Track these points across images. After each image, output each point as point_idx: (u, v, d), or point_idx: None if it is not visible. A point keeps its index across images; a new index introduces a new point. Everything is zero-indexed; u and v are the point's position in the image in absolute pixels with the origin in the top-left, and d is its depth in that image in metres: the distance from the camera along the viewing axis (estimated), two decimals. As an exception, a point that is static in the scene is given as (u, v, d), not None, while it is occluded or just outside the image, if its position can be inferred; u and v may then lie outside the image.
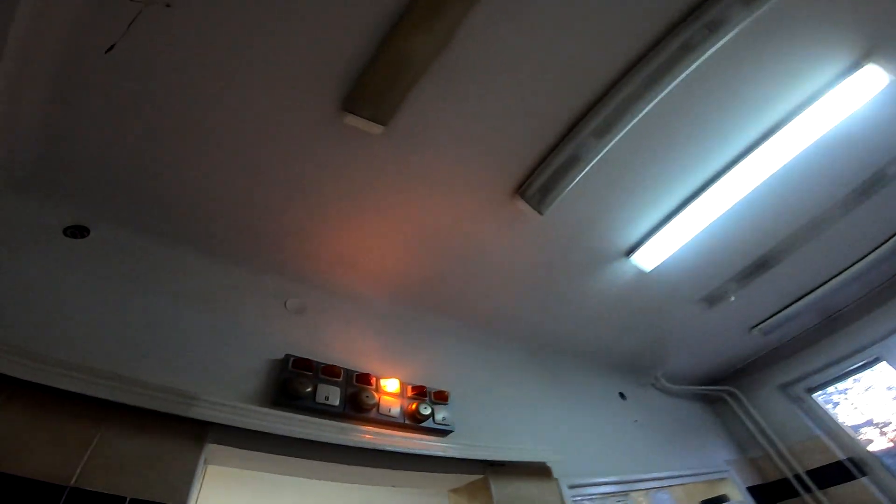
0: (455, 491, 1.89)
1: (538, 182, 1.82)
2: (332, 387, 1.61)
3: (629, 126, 1.68)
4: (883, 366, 2.96)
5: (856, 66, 1.73)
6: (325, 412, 1.54)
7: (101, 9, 1.17)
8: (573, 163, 1.78)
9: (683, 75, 1.57)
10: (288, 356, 1.62)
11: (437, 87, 1.54)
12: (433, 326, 2.26)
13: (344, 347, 1.82)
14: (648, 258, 2.26)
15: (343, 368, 1.69)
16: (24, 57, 1.19)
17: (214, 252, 1.80)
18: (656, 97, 1.60)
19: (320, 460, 1.45)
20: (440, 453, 1.66)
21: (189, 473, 1.20)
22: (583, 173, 1.80)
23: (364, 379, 1.71)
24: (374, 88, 1.48)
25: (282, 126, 1.54)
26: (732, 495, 2.84)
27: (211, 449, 1.30)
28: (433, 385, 1.90)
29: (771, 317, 3.00)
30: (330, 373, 1.64)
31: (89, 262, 1.51)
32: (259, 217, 1.76)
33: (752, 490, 2.99)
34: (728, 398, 3.47)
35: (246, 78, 1.42)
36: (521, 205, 1.86)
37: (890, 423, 2.89)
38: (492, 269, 2.15)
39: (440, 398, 1.87)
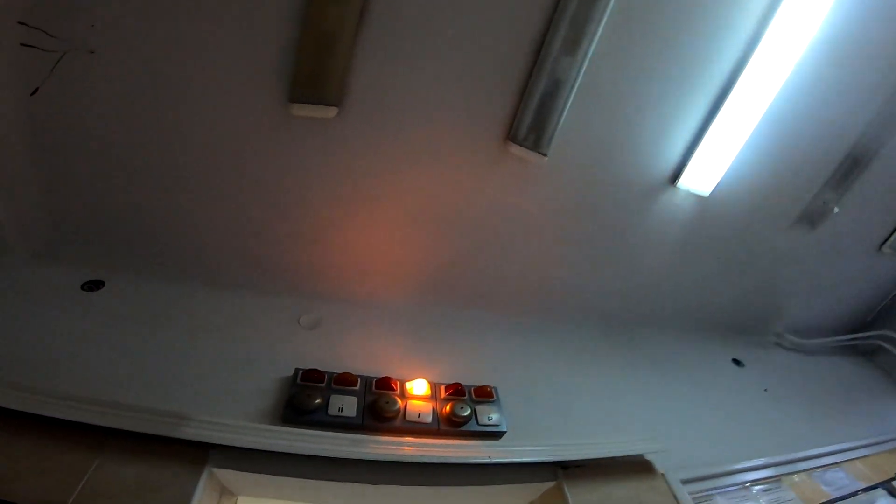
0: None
1: (526, 121, 1.59)
2: (347, 397, 1.42)
3: (600, 30, 1.43)
4: None
5: None
6: (341, 425, 1.35)
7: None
8: (556, 88, 1.54)
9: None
10: (297, 370, 1.48)
11: (379, 50, 1.43)
12: (466, 318, 2.00)
13: (363, 355, 1.64)
14: (700, 180, 1.85)
15: (359, 376, 1.51)
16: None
17: (221, 283, 1.77)
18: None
19: (338, 480, 1.24)
20: (488, 460, 1.37)
21: (186, 498, 1.07)
22: (571, 98, 1.55)
23: (384, 384, 1.50)
24: (311, 71, 1.41)
25: (238, 138, 1.51)
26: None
27: (213, 473, 1.16)
28: (473, 382, 1.64)
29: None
30: (343, 381, 1.46)
31: (106, 311, 1.56)
32: (253, 240, 1.72)
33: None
34: (886, 344, 2.68)
35: (191, 99, 1.42)
36: (517, 150, 1.63)
37: None
38: (513, 236, 1.88)
39: (483, 395, 1.59)
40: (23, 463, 1.05)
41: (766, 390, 2.27)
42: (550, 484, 1.45)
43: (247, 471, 1.19)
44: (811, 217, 2.17)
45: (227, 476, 1.19)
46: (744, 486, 1.75)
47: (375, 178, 1.65)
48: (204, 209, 1.64)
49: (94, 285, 1.64)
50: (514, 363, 1.89)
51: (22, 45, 1.19)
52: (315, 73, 1.41)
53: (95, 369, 1.34)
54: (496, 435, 1.49)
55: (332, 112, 1.47)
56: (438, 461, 1.32)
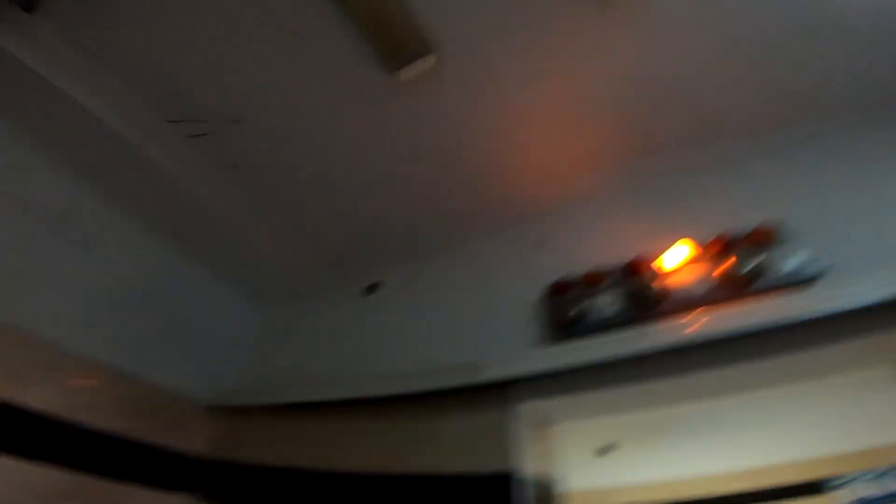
0: None
1: None
2: (602, 296, 1.35)
3: None
4: None
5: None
6: (607, 325, 1.29)
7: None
8: None
9: None
10: (544, 289, 1.48)
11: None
12: (687, 164, 1.56)
13: (599, 251, 1.50)
14: None
15: (603, 271, 1.40)
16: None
17: (448, 246, 1.91)
18: None
19: (637, 381, 1.21)
20: (809, 313, 1.06)
21: (504, 437, 1.23)
22: None
23: (633, 268, 1.35)
24: (386, 34, 1.24)
25: (382, 134, 1.52)
26: None
27: (519, 409, 1.30)
28: (741, 228, 1.31)
29: None
30: (591, 282, 1.38)
31: (382, 308, 1.89)
32: (450, 199, 1.76)
33: None
34: None
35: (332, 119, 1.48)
36: None
37: None
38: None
39: (761, 239, 1.25)
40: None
41: None
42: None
43: (545, 397, 1.27)
44: None
45: (534, 408, 1.30)
46: None
47: (519, 90, 1.40)
48: (409, 200, 1.75)
49: (372, 288, 1.98)
50: (786, 189, 1.40)
51: (191, 136, 1.42)
52: (391, 34, 1.25)
53: (390, 349, 1.66)
54: (809, 281, 1.16)
55: (431, 60, 1.30)
56: (736, 332, 1.12)
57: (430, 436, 1.34)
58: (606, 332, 1.26)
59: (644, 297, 1.26)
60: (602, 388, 1.21)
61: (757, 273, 1.19)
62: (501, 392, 1.30)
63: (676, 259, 1.31)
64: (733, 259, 1.22)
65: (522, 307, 1.51)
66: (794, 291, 1.13)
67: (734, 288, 1.20)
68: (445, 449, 1.30)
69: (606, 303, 1.31)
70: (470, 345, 1.51)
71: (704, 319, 1.15)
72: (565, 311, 1.33)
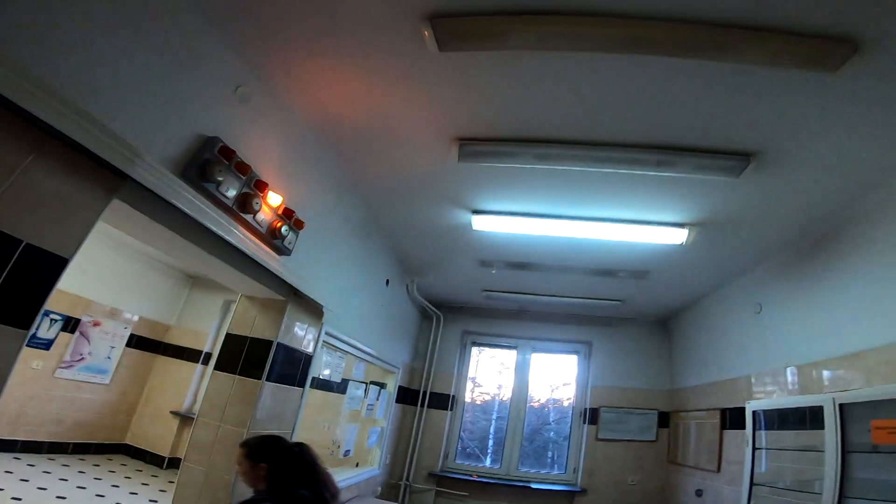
0: (250, 298, 2.20)
1: None
2: (236, 181, 1.60)
3: None
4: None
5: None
6: (220, 203, 1.55)
7: None
8: None
9: None
10: (217, 139, 1.50)
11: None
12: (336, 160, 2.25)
13: (260, 151, 1.74)
14: None
15: (251, 168, 1.66)
16: None
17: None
18: None
19: (197, 245, 1.53)
20: (266, 263, 1.88)
21: (87, 226, 1.18)
22: None
23: (261, 186, 1.73)
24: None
25: None
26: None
27: (114, 205, 1.23)
28: (300, 212, 2.05)
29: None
30: (241, 169, 1.61)
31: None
32: None
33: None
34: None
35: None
36: None
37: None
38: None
39: (298, 226, 2.06)
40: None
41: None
42: (281, 298, 2.16)
43: (144, 213, 1.33)
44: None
45: (122, 213, 1.27)
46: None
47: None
48: None
49: None
50: (321, 212, 2.35)
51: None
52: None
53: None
54: (284, 252, 2.03)
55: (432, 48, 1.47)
56: (249, 255, 1.78)
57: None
58: (217, 205, 1.54)
59: (248, 205, 1.68)
60: (176, 232, 1.47)
61: (283, 237, 1.94)
62: (118, 182, 1.19)
63: (274, 201, 1.84)
64: (284, 224, 1.92)
65: (189, 126, 1.45)
66: (279, 253, 1.98)
67: (271, 235, 1.88)
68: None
69: (233, 189, 1.60)
70: (126, 115, 1.21)
71: (244, 235, 1.75)
72: (219, 173, 1.52)
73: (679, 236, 2.71)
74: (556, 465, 4.55)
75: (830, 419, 1.91)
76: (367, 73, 1.71)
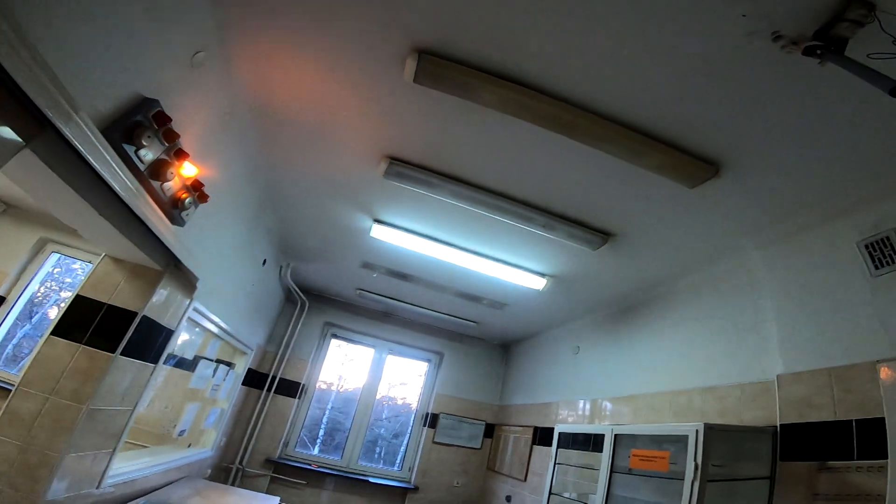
0: (117, 261, 1.99)
1: None
2: (159, 147, 1.49)
3: None
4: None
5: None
6: (134, 167, 1.44)
7: None
8: None
9: None
10: (155, 102, 1.40)
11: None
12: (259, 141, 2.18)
13: (193, 120, 1.64)
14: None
15: (179, 136, 1.56)
16: None
17: None
18: None
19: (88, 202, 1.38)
20: (157, 230, 1.75)
21: None
22: None
23: (180, 155, 1.63)
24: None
25: None
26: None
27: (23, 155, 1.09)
28: (208, 186, 1.95)
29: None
30: (168, 137, 1.51)
31: None
32: None
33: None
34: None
35: None
36: None
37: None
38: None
39: (202, 199, 1.95)
40: None
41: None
42: (158, 268, 2.01)
43: (47, 164, 1.19)
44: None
45: (26, 161, 1.12)
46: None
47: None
48: None
49: None
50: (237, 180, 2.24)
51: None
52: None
53: None
54: (178, 223, 1.91)
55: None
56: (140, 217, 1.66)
57: None
58: (131, 167, 1.43)
59: (161, 172, 1.58)
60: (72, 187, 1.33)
61: (185, 208, 1.84)
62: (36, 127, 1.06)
63: (188, 171, 1.75)
64: (189, 196, 1.83)
65: (130, 78, 1.32)
66: (173, 222, 1.86)
67: (172, 205, 1.77)
68: None
69: (154, 154, 1.50)
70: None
71: (150, 206, 1.64)
72: (147, 139, 1.41)
73: (539, 283, 3.27)
74: (382, 461, 4.85)
75: (608, 445, 2.54)
76: (330, 71, 1.74)
